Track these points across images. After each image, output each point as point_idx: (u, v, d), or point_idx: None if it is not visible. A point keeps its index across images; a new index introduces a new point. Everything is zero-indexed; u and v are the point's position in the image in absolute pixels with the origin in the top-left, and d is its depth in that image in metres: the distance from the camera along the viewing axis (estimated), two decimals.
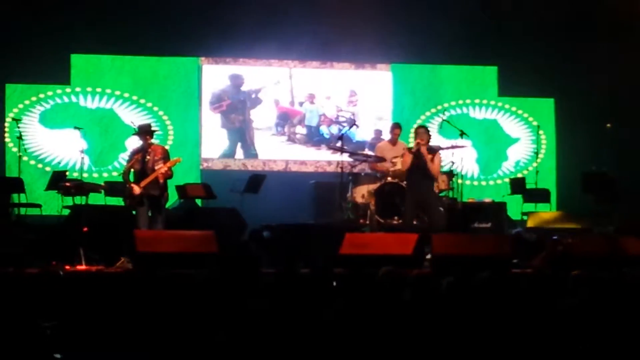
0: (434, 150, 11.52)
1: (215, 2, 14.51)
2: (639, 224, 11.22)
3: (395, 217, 11.87)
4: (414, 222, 11.53)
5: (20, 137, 12.24)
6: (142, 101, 14.75)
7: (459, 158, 12.61)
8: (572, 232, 11.67)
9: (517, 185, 14.35)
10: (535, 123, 15.50)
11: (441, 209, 11.97)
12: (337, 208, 12.62)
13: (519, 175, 15.21)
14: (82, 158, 11.82)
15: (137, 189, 10.39)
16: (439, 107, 15.44)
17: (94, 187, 11.99)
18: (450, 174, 12.52)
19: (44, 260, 9.44)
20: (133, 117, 14.09)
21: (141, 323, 6.99)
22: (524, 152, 15.67)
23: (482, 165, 15.54)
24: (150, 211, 10.54)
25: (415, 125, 13.80)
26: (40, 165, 14.18)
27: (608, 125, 14.10)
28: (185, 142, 14.76)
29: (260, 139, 15.09)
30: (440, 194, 12.32)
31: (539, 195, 14.30)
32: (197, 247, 9.53)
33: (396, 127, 12.74)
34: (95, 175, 14.09)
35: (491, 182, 15.55)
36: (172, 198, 11.80)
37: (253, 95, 15.11)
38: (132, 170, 10.62)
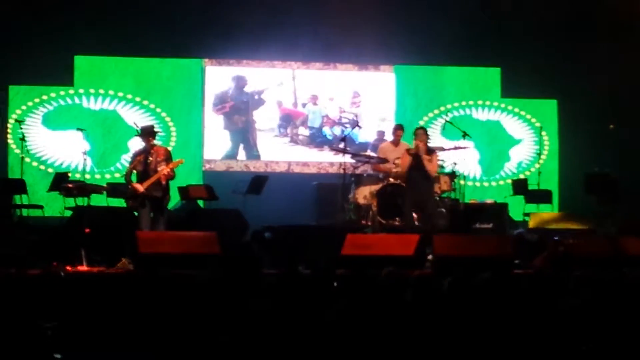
0: (432, 151, 11.62)
1: (218, 4, 14.51)
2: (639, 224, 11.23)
3: (397, 218, 11.88)
4: (416, 223, 11.54)
5: (23, 139, 12.28)
6: (145, 102, 14.76)
7: (461, 159, 12.62)
8: (573, 233, 11.67)
9: (519, 186, 14.35)
10: (537, 124, 15.49)
11: (443, 209, 11.99)
12: (339, 209, 12.63)
13: (521, 176, 15.20)
14: (85, 159, 11.81)
15: (140, 188, 10.39)
16: (442, 109, 15.42)
17: (96, 189, 11.99)
18: (452, 175, 12.54)
19: (46, 261, 9.42)
20: (136, 118, 14.07)
21: (143, 324, 7.00)
22: (527, 153, 15.66)
23: (484, 166, 15.53)
24: (152, 212, 10.53)
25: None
26: (42, 167, 14.20)
27: (611, 126, 14.09)
28: (188, 144, 14.77)
29: (263, 140, 15.10)
30: (442, 195, 12.35)
31: (541, 196, 14.30)
32: (199, 248, 9.53)
33: (399, 128, 12.78)
34: (97, 176, 14.10)
35: (493, 183, 15.54)
36: (175, 199, 11.81)
37: (256, 97, 15.11)
38: (134, 171, 10.63)
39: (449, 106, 15.44)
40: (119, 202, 11.90)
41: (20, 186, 12.08)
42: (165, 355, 5.93)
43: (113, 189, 12.33)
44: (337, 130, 15.14)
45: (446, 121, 13.94)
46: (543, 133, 15.36)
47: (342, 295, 6.33)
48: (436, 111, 15.49)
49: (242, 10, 14.30)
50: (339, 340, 5.42)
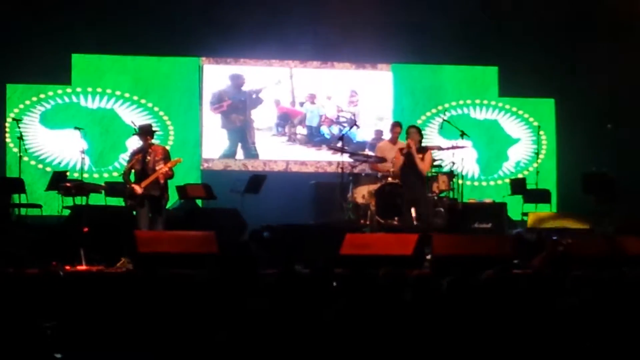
0: (424, 150, 11.65)
1: (216, 2, 14.51)
2: (638, 223, 11.24)
3: (396, 218, 11.88)
4: (415, 223, 11.55)
5: (20, 138, 12.24)
6: (143, 101, 14.76)
7: (459, 158, 12.61)
8: (572, 233, 11.68)
9: (518, 185, 14.36)
10: (535, 123, 15.50)
11: (441, 209, 12.00)
12: (337, 208, 12.63)
13: (520, 175, 15.22)
14: (83, 158, 11.79)
15: (138, 189, 10.39)
16: (440, 108, 15.43)
17: (94, 188, 11.98)
18: (450, 175, 12.54)
19: (45, 261, 9.42)
20: (134, 117, 14.07)
21: (141, 323, 7.00)
22: (525, 153, 15.68)
23: (482, 166, 15.55)
24: (150, 212, 10.53)
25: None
26: (40, 166, 14.18)
27: (609, 125, 14.10)
28: (186, 143, 14.77)
29: (261, 139, 15.09)
30: (441, 195, 12.35)
31: (540, 196, 14.31)
32: (197, 247, 9.54)
33: (396, 125, 12.77)
34: (95, 175, 14.09)
35: (492, 183, 15.56)
36: (173, 198, 11.80)
37: (254, 96, 15.11)
38: (132, 170, 10.63)
39: (446, 105, 15.45)
40: (117, 202, 11.90)
41: (18, 185, 12.05)
42: (164, 355, 5.93)
43: (111, 188, 12.34)
44: (335, 129, 15.13)
45: (444, 120, 13.95)
46: (541, 132, 15.36)
47: (341, 295, 6.32)
48: (434, 110, 15.51)
49: (240, 9, 14.30)
50: (337, 340, 5.42)
